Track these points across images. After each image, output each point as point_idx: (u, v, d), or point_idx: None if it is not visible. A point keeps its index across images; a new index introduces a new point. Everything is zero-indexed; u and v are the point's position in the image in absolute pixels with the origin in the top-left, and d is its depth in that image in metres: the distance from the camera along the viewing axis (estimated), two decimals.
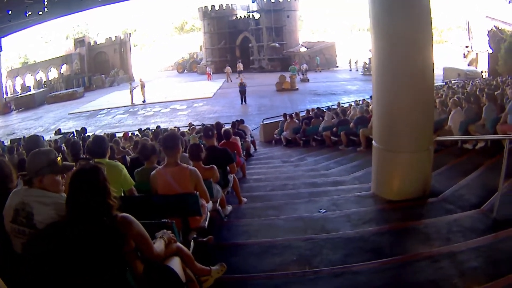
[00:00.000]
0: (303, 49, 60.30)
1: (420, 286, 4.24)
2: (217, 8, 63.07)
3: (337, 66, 62.20)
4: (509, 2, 34.43)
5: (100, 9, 31.65)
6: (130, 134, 19.41)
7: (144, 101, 39.83)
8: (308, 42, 64.90)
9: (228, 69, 51.27)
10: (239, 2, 64.99)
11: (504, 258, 4.46)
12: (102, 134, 18.98)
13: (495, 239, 4.98)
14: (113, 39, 64.99)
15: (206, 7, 63.45)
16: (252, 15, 61.36)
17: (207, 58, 64.59)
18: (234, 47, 63.67)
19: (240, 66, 53.92)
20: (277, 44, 58.52)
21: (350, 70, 58.02)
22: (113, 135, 15.48)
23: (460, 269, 4.36)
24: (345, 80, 47.28)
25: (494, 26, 45.45)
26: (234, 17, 64.25)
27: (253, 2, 58.09)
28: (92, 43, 65.06)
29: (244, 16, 63.03)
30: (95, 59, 64.34)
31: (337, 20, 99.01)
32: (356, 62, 58.26)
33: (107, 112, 37.20)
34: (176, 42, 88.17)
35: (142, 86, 40.28)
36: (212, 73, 53.57)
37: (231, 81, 48.70)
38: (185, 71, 70.33)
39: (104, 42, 65.55)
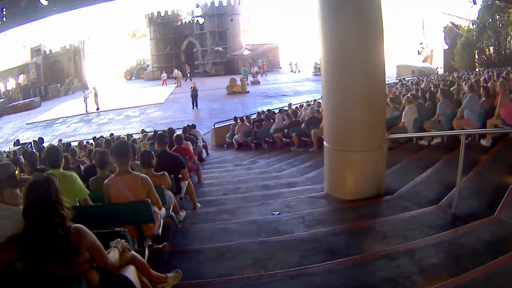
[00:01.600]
0: (246, 52, 61.09)
1: (378, 285, 4.21)
2: (162, 14, 63.11)
3: (280, 68, 63.03)
4: (474, 3, 35.07)
5: (57, 18, 31.19)
6: (84, 143, 19.17)
7: (97, 109, 39.15)
8: (252, 44, 65.42)
9: (178, 73, 51.33)
10: (185, 8, 65.11)
11: (466, 253, 4.46)
12: (57, 143, 18.85)
13: (455, 235, 4.98)
14: (68, 47, 63.39)
15: (152, 13, 63.37)
16: (197, 20, 61.65)
17: (153, 64, 64.52)
18: (180, 52, 63.85)
19: (187, 69, 55.06)
20: (220, 48, 59.22)
21: (291, 71, 58.89)
22: (68, 145, 15.15)
23: (419, 266, 4.37)
24: (296, 81, 47.77)
25: (450, 22, 46.57)
26: (179, 23, 64.33)
27: (197, 7, 58.96)
28: (47, 52, 62.95)
29: (189, 21, 63.25)
30: (50, 68, 62.37)
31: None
32: (296, 64, 59.14)
33: (62, 121, 36.32)
34: (129, 48, 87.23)
35: (95, 94, 39.54)
36: (154, 79, 52.97)
37: (180, 85, 48.92)
38: (133, 77, 69.90)
39: (59, 50, 63.64)
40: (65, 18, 69.16)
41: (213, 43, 59.17)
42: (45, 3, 22.68)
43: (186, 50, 63.66)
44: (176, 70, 53.94)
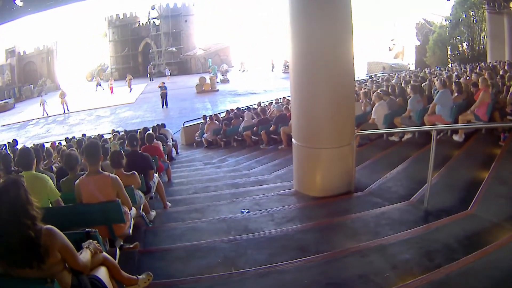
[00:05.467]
0: (199, 52, 61.69)
1: (349, 281, 4.16)
2: (121, 16, 63.40)
3: (232, 67, 62.96)
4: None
5: (30, 19, 30.81)
6: (57, 144, 19.14)
7: (67, 110, 38.62)
8: (205, 44, 65.87)
9: (129, 76, 50.53)
10: (144, 9, 65.37)
11: (439, 249, 4.44)
12: (31, 144, 18.81)
13: (427, 230, 4.96)
14: (41, 48, 62.41)
15: (111, 16, 63.66)
16: (153, 21, 62.32)
17: (111, 66, 64.76)
18: (137, 53, 64.27)
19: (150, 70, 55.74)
20: (174, 49, 59.80)
21: (242, 71, 58.96)
22: (41, 146, 14.94)
23: (391, 262, 4.35)
24: (266, 78, 47.87)
25: (423, 18, 47.08)
26: (137, 24, 64.67)
27: (152, 9, 59.73)
28: (21, 53, 61.85)
29: (146, 22, 63.76)
30: (24, 69, 61.31)
31: None
32: (243, 63, 59.84)
33: (36, 122, 36.11)
34: (98, 50, 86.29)
35: (63, 96, 39.09)
36: (115, 80, 51.37)
37: (131, 89, 47.62)
38: (94, 79, 67.80)
39: (33, 51, 62.51)
40: (38, 19, 67.48)
41: (167, 44, 59.97)
42: (20, 4, 22.89)
43: (143, 51, 64.23)
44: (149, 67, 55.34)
